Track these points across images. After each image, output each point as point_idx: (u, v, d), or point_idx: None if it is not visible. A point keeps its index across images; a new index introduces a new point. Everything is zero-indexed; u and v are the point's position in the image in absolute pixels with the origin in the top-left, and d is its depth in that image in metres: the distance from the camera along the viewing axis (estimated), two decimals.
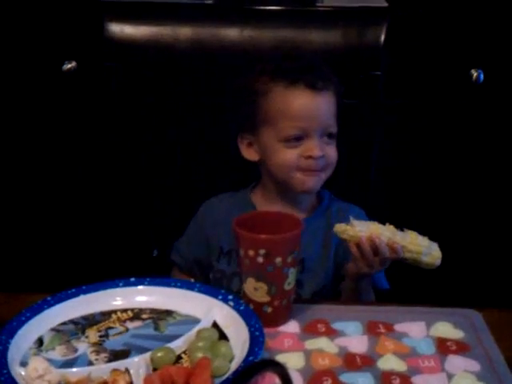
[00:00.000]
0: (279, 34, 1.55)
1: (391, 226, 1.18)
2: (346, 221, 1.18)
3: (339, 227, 1.18)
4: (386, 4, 1.83)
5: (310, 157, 1.27)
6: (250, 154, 1.35)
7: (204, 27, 1.56)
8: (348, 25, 1.55)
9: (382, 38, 1.51)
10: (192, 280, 1.29)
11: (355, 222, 1.18)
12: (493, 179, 1.89)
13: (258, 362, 0.81)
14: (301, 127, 1.27)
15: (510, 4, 1.84)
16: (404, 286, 1.49)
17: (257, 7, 1.64)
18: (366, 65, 1.52)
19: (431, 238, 1.17)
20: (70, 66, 1.86)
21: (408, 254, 1.16)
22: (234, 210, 1.33)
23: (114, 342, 0.98)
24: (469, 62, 1.84)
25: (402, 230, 1.18)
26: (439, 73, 1.86)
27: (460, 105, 1.88)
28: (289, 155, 1.28)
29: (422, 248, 1.16)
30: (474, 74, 1.83)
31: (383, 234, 1.16)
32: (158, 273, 1.17)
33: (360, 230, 1.17)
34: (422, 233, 1.17)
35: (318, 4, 1.85)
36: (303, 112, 1.27)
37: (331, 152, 1.30)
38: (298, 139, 1.27)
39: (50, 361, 0.93)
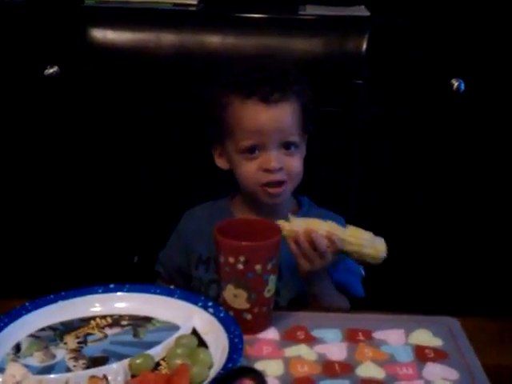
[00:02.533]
0: (262, 41, 1.56)
1: (331, 222, 1.20)
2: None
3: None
4: (368, 13, 1.85)
5: (267, 170, 1.27)
6: (221, 163, 1.37)
7: (187, 34, 1.57)
8: (330, 33, 1.56)
9: (364, 46, 1.52)
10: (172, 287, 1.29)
11: (293, 219, 1.20)
12: (474, 188, 1.90)
13: (236, 369, 0.81)
14: (254, 139, 1.27)
15: (490, 14, 1.86)
16: (383, 293, 1.50)
17: (240, 15, 1.64)
18: (347, 73, 1.53)
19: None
20: (52, 70, 1.85)
21: (349, 247, 1.18)
22: (213, 218, 1.32)
23: (93, 349, 0.98)
24: (450, 71, 1.85)
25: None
26: (420, 82, 1.87)
27: (441, 114, 1.89)
28: (248, 168, 1.29)
29: (363, 241, 1.17)
30: (455, 83, 1.84)
31: (321, 228, 1.18)
32: (138, 279, 1.16)
33: (297, 225, 1.18)
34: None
35: (301, 12, 1.87)
36: (257, 126, 1.27)
37: (292, 163, 1.29)
38: (253, 151, 1.27)
39: (27, 367, 0.92)
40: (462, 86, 1.83)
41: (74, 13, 1.81)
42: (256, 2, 1.82)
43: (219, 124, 1.32)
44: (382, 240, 1.19)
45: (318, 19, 1.73)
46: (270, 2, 1.87)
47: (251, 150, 1.28)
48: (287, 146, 1.29)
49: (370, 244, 1.18)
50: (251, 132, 1.27)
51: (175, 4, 1.91)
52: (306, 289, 1.26)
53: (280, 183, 1.28)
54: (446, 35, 1.85)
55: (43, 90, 1.88)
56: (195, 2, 1.94)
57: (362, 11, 1.91)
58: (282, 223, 1.18)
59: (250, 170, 1.29)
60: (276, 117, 1.27)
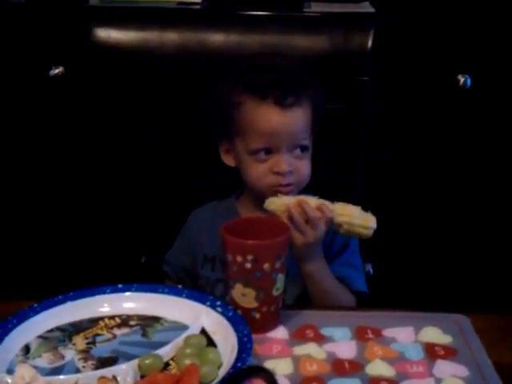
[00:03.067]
0: (266, 39, 1.55)
1: (320, 198, 1.22)
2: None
3: (267, 201, 1.23)
4: (372, 9, 1.84)
5: (277, 173, 1.27)
6: (228, 160, 1.36)
7: (190, 32, 1.56)
8: (335, 30, 1.55)
9: (370, 43, 1.51)
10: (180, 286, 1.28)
11: (282, 196, 1.24)
12: (480, 184, 1.89)
13: (246, 368, 0.81)
14: (266, 142, 1.27)
15: (496, 9, 1.85)
16: (391, 291, 1.50)
17: (243, 12, 1.63)
18: (353, 70, 1.52)
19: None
20: (57, 71, 1.84)
21: (340, 218, 1.19)
22: (219, 217, 1.34)
23: (102, 349, 0.98)
24: (456, 67, 1.84)
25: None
26: (426, 78, 1.86)
27: (447, 110, 1.88)
28: (258, 170, 1.28)
29: (353, 212, 1.19)
30: (461, 79, 1.83)
31: (310, 201, 1.21)
32: (146, 279, 1.16)
33: (287, 199, 1.22)
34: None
35: (305, 9, 1.85)
36: (270, 129, 1.26)
37: (302, 167, 1.29)
38: (266, 153, 1.27)
39: (36, 368, 0.92)
40: (469, 82, 1.82)
41: (77, 13, 1.81)
42: (260, 0, 1.81)
43: (229, 122, 1.31)
44: (371, 213, 1.20)
45: (322, 16, 1.72)
46: (274, 1, 1.87)
47: (263, 153, 1.27)
48: (298, 149, 1.29)
49: (359, 215, 1.19)
50: (264, 135, 1.27)
51: (179, 3, 1.91)
52: (300, 268, 1.25)
53: (289, 185, 1.28)
54: (451, 31, 1.84)
55: (49, 90, 1.88)
56: (199, 1, 1.93)
57: (366, 8, 1.90)
58: (271, 199, 1.22)
59: (259, 171, 1.28)
60: (289, 121, 1.27)
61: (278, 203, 1.22)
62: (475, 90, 1.83)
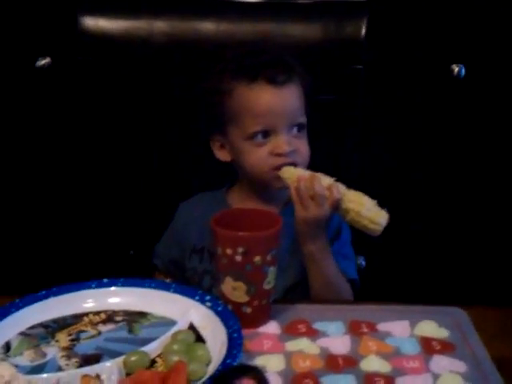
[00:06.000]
0: (257, 27, 1.52)
1: (337, 182, 1.20)
2: None
3: (284, 168, 1.23)
4: None
5: (278, 154, 1.24)
6: (223, 155, 1.34)
7: (180, 20, 1.53)
8: (328, 18, 1.52)
9: (363, 31, 1.49)
10: (168, 280, 1.26)
11: (299, 168, 1.23)
12: (475, 174, 1.87)
13: (236, 367, 0.77)
14: (264, 123, 1.25)
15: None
16: (386, 284, 1.48)
17: (235, 0, 1.60)
18: (346, 58, 1.49)
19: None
20: (43, 61, 1.82)
21: (349, 204, 1.16)
22: (207, 209, 1.31)
23: (86, 346, 0.95)
24: (450, 56, 1.82)
25: None
26: (420, 68, 1.84)
27: (441, 100, 1.85)
28: (258, 154, 1.26)
29: (365, 202, 1.16)
30: (456, 68, 1.81)
31: (324, 179, 1.19)
32: (135, 272, 1.13)
33: (302, 172, 1.21)
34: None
35: None
36: (266, 108, 1.24)
37: (302, 147, 1.27)
38: (265, 136, 1.25)
39: (17, 367, 0.89)
40: (463, 72, 1.80)
41: (64, 1, 1.78)
42: None
43: (222, 112, 1.29)
44: (385, 211, 1.16)
45: (315, 4, 1.69)
46: None
47: (261, 135, 1.25)
48: (296, 128, 1.27)
49: (371, 208, 1.16)
50: (260, 115, 1.24)
51: None
52: (301, 249, 1.23)
53: (292, 164, 1.25)
54: (445, 20, 1.82)
55: (35, 82, 1.85)
56: None
57: None
58: (287, 167, 1.22)
59: (260, 155, 1.25)
60: (285, 98, 1.25)
61: (292, 172, 1.21)
62: (470, 79, 1.81)
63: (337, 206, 1.18)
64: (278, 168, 1.25)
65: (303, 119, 1.28)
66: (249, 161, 1.27)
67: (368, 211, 1.15)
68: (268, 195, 1.31)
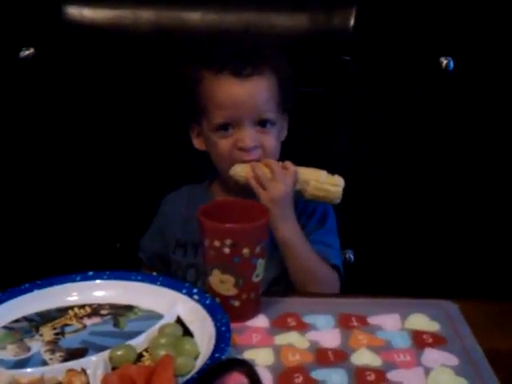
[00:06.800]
0: (244, 17, 1.51)
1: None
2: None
3: (232, 168, 1.24)
4: None
5: (241, 148, 1.23)
6: (198, 143, 1.33)
7: (166, 10, 1.51)
8: (315, 8, 1.50)
9: (352, 21, 1.47)
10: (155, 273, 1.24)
11: (240, 163, 1.25)
12: (465, 167, 1.86)
13: (224, 361, 0.76)
14: (228, 116, 1.23)
15: None
16: (376, 277, 1.46)
17: None
18: (335, 49, 1.48)
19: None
20: (27, 52, 1.79)
21: (305, 176, 1.22)
22: (192, 202, 1.31)
23: (71, 340, 0.92)
24: (439, 49, 1.81)
25: None
26: (409, 60, 1.83)
27: (430, 92, 1.84)
28: (221, 146, 1.25)
29: (320, 172, 1.22)
30: (444, 61, 1.79)
31: (276, 163, 1.23)
32: (121, 266, 1.11)
33: (252, 162, 1.23)
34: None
35: None
36: (228, 100, 1.23)
37: (268, 141, 1.25)
38: (227, 128, 1.24)
39: (0, 361, 0.87)
40: (451, 64, 1.79)
41: None
42: None
43: (193, 101, 1.28)
44: (338, 175, 1.23)
45: None
46: None
47: (225, 127, 1.24)
48: (262, 123, 1.25)
49: (326, 175, 1.21)
50: (224, 107, 1.23)
51: None
52: (275, 236, 1.21)
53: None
54: (434, 12, 1.81)
55: (19, 73, 1.82)
56: None
57: None
58: (236, 165, 1.23)
59: (224, 147, 1.24)
60: (249, 91, 1.23)
61: (242, 166, 1.22)
62: (458, 72, 1.80)
63: (296, 180, 1.21)
64: (239, 162, 1.24)
65: (271, 115, 1.26)
66: (215, 152, 1.27)
67: (325, 177, 1.21)
68: (248, 191, 1.28)
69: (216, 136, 1.25)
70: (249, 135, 1.23)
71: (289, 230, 1.21)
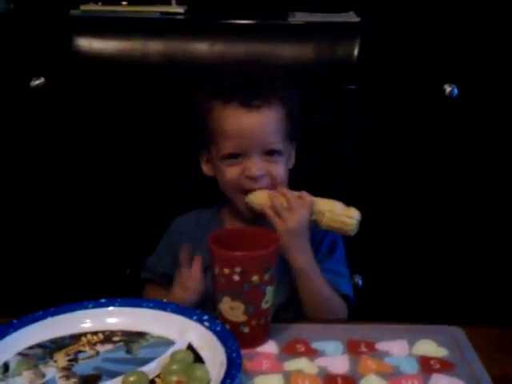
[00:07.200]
0: (250, 48, 1.53)
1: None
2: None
3: (249, 196, 1.25)
4: (357, 19, 1.83)
5: (249, 177, 1.25)
6: (207, 169, 1.36)
7: (174, 42, 1.54)
8: (321, 39, 1.53)
9: (356, 51, 1.49)
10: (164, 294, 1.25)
11: (257, 191, 1.26)
12: (469, 193, 1.87)
13: None
14: (235, 146, 1.25)
15: (483, 18, 1.84)
16: (384, 302, 1.47)
17: (228, 21, 1.61)
18: (339, 79, 1.50)
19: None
20: (38, 82, 1.82)
21: (321, 207, 1.21)
22: (201, 226, 1.33)
23: (84, 367, 0.94)
24: (442, 76, 1.83)
25: None
26: (413, 87, 1.85)
27: (434, 119, 1.87)
28: (229, 173, 1.27)
29: (335, 204, 1.22)
30: (448, 88, 1.82)
31: (293, 192, 1.24)
32: (131, 292, 1.13)
33: (268, 191, 1.24)
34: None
35: (290, 19, 1.84)
36: (237, 131, 1.25)
37: (275, 170, 1.27)
38: (235, 157, 1.25)
39: None
40: (455, 92, 1.81)
41: (59, 23, 1.78)
42: (244, 10, 1.79)
43: (203, 130, 1.30)
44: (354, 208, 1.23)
45: (307, 25, 1.71)
46: (259, 10, 1.85)
47: (233, 156, 1.26)
48: (270, 153, 1.26)
49: (342, 206, 1.22)
50: (232, 137, 1.25)
51: (162, 13, 1.89)
52: (290, 265, 1.23)
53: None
54: (438, 40, 1.83)
55: (29, 102, 1.85)
56: (182, 11, 1.92)
57: (351, 17, 1.90)
58: (252, 193, 1.25)
59: (232, 175, 1.26)
60: (257, 122, 1.25)
61: (258, 195, 1.24)
62: (462, 99, 1.82)
63: (312, 210, 1.21)
64: (247, 193, 1.26)
65: (279, 146, 1.27)
66: (224, 179, 1.28)
67: (341, 209, 1.21)
68: (250, 222, 1.30)
69: (224, 164, 1.27)
70: (256, 164, 1.25)
71: (304, 259, 1.22)
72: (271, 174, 1.26)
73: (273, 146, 1.26)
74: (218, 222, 1.35)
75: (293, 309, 1.28)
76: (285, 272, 1.25)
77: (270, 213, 1.21)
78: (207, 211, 1.41)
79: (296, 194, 1.23)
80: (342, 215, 1.21)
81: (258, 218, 1.27)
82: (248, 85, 1.26)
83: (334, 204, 1.22)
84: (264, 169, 1.25)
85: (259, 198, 1.24)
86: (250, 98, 1.24)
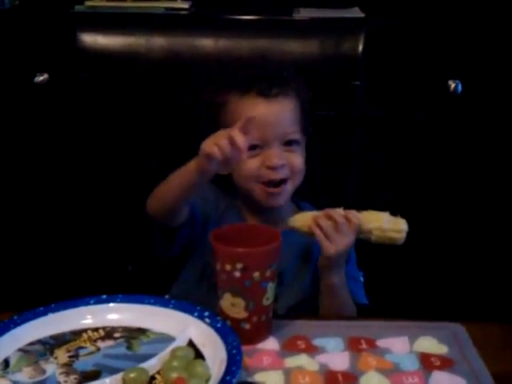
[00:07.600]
0: (255, 44, 1.53)
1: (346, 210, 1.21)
2: None
3: (291, 219, 1.22)
4: (362, 14, 1.83)
5: (269, 167, 1.24)
6: None
7: (179, 38, 1.54)
8: (326, 35, 1.53)
9: (360, 47, 1.49)
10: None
11: (301, 212, 1.25)
12: (474, 189, 1.87)
13: None
14: (255, 137, 1.22)
15: (487, 14, 1.84)
16: (384, 299, 1.46)
17: (232, 17, 1.61)
18: (344, 75, 1.50)
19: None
20: (42, 78, 1.82)
21: (369, 225, 1.17)
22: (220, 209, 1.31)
23: (85, 363, 0.94)
24: (447, 72, 1.82)
25: None
26: (417, 83, 1.85)
27: (438, 115, 1.86)
28: (249, 165, 1.25)
29: (382, 217, 1.17)
30: (452, 84, 1.81)
31: (336, 211, 1.19)
32: (133, 288, 1.13)
33: (312, 213, 1.21)
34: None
35: (295, 15, 1.84)
36: (257, 121, 1.21)
37: (295, 159, 1.26)
38: (255, 148, 1.24)
39: (16, 383, 0.88)
40: (460, 88, 1.81)
41: (63, 19, 1.78)
42: (249, 5, 1.79)
43: (217, 125, 1.27)
44: (399, 216, 1.19)
45: (312, 21, 1.71)
46: (264, 6, 1.85)
47: (251, 148, 1.22)
48: (289, 143, 1.26)
49: (388, 219, 1.17)
50: (252, 127, 1.24)
51: (167, 8, 1.89)
52: (322, 279, 1.22)
53: (281, 182, 1.25)
54: (442, 36, 1.83)
55: (33, 98, 1.85)
56: (187, 6, 1.92)
57: (356, 13, 1.89)
58: (294, 216, 1.22)
59: (251, 167, 1.25)
60: (276, 111, 1.25)
61: (302, 219, 1.21)
62: (466, 95, 1.82)
63: (359, 230, 1.18)
64: (267, 184, 1.24)
65: (296, 136, 1.27)
66: (240, 172, 1.26)
67: (388, 223, 1.17)
68: (270, 211, 1.30)
69: None
70: (277, 154, 1.24)
71: (339, 277, 1.22)
72: (291, 164, 1.26)
73: (291, 136, 1.26)
74: (239, 211, 1.33)
75: (303, 310, 1.27)
76: (297, 275, 1.25)
77: (320, 235, 1.18)
78: (224, 196, 1.36)
79: (341, 212, 1.19)
80: (389, 231, 1.17)
81: (274, 209, 1.28)
82: (263, 76, 1.26)
83: (382, 218, 1.18)
84: (284, 158, 1.25)
85: (303, 220, 1.22)
86: (268, 88, 1.24)
